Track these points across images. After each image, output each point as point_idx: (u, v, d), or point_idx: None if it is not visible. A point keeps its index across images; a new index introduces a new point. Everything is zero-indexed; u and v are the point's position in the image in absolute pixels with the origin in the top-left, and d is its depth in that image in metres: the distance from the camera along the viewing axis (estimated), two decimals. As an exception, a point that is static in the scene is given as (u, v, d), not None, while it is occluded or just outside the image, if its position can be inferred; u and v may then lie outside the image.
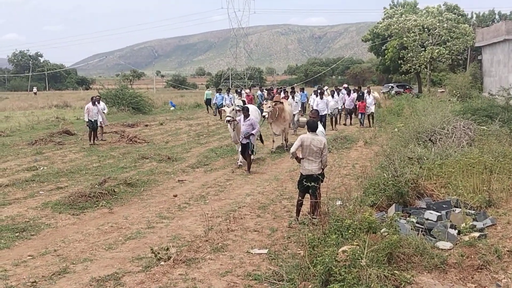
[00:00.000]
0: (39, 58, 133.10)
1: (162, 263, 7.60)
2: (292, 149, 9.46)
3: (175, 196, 12.33)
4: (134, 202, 11.77)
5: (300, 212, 9.74)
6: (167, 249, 7.96)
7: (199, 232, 9.28)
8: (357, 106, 28.16)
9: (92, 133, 21.43)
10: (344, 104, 28.99)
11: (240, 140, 15.28)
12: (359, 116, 27.80)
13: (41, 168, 15.87)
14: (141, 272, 7.38)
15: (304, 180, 9.24)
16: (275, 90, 35.92)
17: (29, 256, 8.22)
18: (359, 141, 21.25)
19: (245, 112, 15.36)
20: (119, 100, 37.11)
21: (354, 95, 29.26)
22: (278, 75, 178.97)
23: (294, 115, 23.30)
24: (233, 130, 16.21)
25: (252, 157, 15.70)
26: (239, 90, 36.77)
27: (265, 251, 8.20)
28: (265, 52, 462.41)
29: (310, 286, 5.93)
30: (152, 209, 11.16)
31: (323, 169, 9.63)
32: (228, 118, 16.08)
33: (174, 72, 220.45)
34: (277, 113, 18.69)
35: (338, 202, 9.60)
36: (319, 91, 27.05)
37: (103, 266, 7.69)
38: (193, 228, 9.60)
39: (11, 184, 13.53)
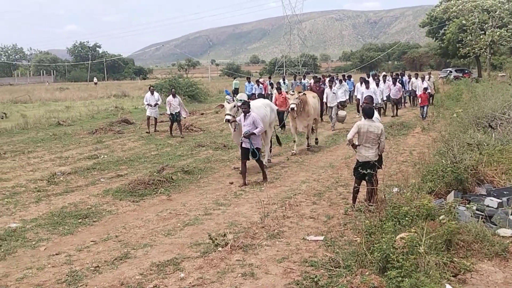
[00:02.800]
0: (98, 49, 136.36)
1: (220, 249, 7.72)
2: (349, 136, 9.39)
3: (231, 183, 12.46)
4: (191, 189, 11.97)
5: (357, 199, 9.70)
6: (224, 235, 8.10)
7: (255, 219, 9.36)
8: (419, 97, 25.01)
9: (172, 125, 21.06)
10: (390, 93, 26.13)
11: (241, 142, 12.53)
12: (422, 109, 24.07)
13: (102, 157, 16.34)
14: (200, 257, 7.52)
15: (361, 167, 9.18)
16: (324, 79, 32.08)
17: (91, 241, 8.49)
18: (417, 127, 20.89)
19: (245, 107, 12.40)
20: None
21: (399, 85, 26.89)
22: (333, 62, 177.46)
23: (331, 108, 21.65)
24: (234, 131, 13.49)
25: (264, 161, 13.56)
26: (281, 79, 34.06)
27: (321, 238, 8.21)
28: (319, 38, 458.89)
29: (367, 273, 5.92)
30: (209, 196, 11.33)
31: (380, 155, 9.54)
32: (228, 117, 13.05)
33: (229, 60, 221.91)
34: (302, 107, 16.16)
35: (395, 189, 9.49)
36: (368, 78, 25.59)
37: (162, 251, 7.88)
38: (249, 215, 9.70)
39: (73, 172, 13.99)
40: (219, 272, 6.89)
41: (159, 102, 22.85)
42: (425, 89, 24.52)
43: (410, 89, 29.88)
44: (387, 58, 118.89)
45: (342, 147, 16.81)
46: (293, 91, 16.30)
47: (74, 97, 47.62)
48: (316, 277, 6.30)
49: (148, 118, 22.29)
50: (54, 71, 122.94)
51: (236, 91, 37.87)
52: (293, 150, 16.17)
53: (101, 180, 13.10)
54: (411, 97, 30.89)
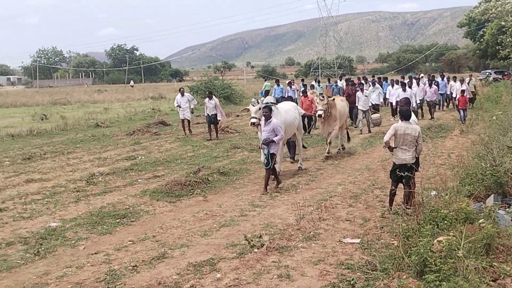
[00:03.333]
0: (135, 51, 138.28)
1: (256, 250, 7.74)
2: (386, 138, 9.31)
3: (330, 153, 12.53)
4: (227, 191, 12.04)
5: (393, 202, 9.60)
6: (260, 236, 8.11)
7: (291, 221, 9.36)
8: (457, 100, 23.90)
9: (210, 127, 20.81)
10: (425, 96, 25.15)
11: (261, 148, 12.26)
12: (461, 113, 22.94)
13: (139, 158, 16.57)
14: (236, 258, 7.56)
15: (398, 169, 9.09)
16: (356, 81, 31.34)
17: (129, 241, 8.61)
18: (455, 129, 20.57)
19: (265, 111, 11.94)
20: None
21: (435, 87, 25.84)
22: (369, 63, 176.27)
23: (363, 112, 21.18)
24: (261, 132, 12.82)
25: (277, 168, 12.91)
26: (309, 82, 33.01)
27: (358, 240, 8.17)
28: (355, 40, 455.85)
29: (404, 276, 5.86)
30: (244, 197, 11.37)
31: (417, 158, 9.44)
32: (253, 120, 12.79)
33: (264, 62, 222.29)
34: (329, 111, 15.44)
35: (433, 192, 9.36)
36: (405, 80, 24.65)
37: (199, 252, 7.94)
38: (285, 217, 9.70)
39: (112, 172, 14.22)
40: (255, 273, 6.91)
41: (193, 102, 22.77)
42: (463, 91, 23.55)
43: (449, 92, 28.77)
44: (425, 60, 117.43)
45: (378, 150, 16.68)
46: (322, 96, 15.62)
47: (112, 99, 48.45)
48: (352, 279, 6.28)
49: (182, 121, 22.39)
50: (93, 74, 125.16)
51: (266, 93, 37.74)
52: (327, 152, 15.73)
53: (139, 180, 13.28)
54: (447, 100, 30.16)
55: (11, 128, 25.04)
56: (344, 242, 8.14)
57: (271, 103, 12.72)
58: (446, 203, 7.57)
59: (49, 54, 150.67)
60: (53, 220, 9.94)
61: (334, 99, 15.84)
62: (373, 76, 33.49)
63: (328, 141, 15.76)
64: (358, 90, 22.42)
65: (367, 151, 16.96)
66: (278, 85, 30.50)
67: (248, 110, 13.39)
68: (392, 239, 7.93)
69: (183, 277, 6.90)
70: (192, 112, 22.90)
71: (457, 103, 24.41)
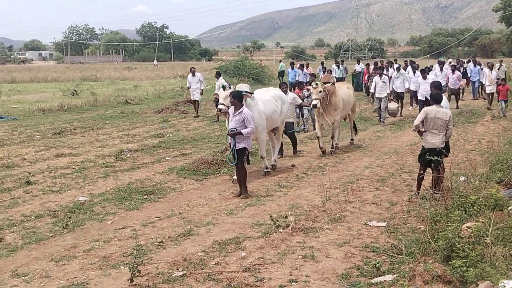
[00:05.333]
0: (165, 29, 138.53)
1: (281, 230, 7.76)
2: (416, 122, 9.19)
3: (293, 166, 12.46)
4: (253, 171, 12.02)
5: (421, 187, 9.51)
6: (286, 217, 8.12)
7: (317, 202, 9.34)
8: (498, 89, 20.97)
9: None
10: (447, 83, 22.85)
11: (228, 141, 10.49)
12: (502, 104, 20.08)
13: (167, 135, 16.68)
14: (261, 237, 7.58)
15: (427, 154, 8.96)
16: (383, 64, 28.44)
17: (156, 217, 8.70)
18: (486, 115, 20.20)
19: (234, 100, 9.96)
20: (240, 71, 37.88)
21: (459, 73, 23.72)
22: (400, 46, 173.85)
23: (379, 100, 18.66)
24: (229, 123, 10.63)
25: (270, 163, 12.06)
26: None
27: (384, 224, 8.12)
28: (387, 22, 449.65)
29: (430, 261, 5.81)
30: (270, 178, 11.37)
31: (447, 143, 9.31)
32: (221, 107, 10.99)
33: (294, 43, 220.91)
34: (327, 99, 13.41)
35: (462, 178, 9.25)
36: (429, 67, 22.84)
37: (224, 230, 7.99)
38: (311, 198, 9.68)
39: (140, 149, 14.35)
40: (279, 253, 6.93)
41: (204, 84, 21.88)
42: (503, 80, 21.56)
43: (484, 81, 25.32)
44: (458, 44, 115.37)
45: (407, 133, 16.50)
46: (316, 84, 13.41)
47: (141, 77, 48.81)
48: (377, 262, 6.25)
49: (194, 102, 21.82)
50: (123, 51, 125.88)
51: (281, 74, 37.30)
52: (320, 146, 13.73)
53: (166, 158, 13.37)
54: (480, 88, 27.55)
55: (42, 103, 25.44)
56: (370, 225, 8.10)
57: (246, 92, 10.90)
58: (475, 189, 7.47)
59: (80, 31, 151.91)
60: (82, 194, 10.09)
61: (333, 84, 13.91)
62: (405, 62, 28.83)
63: (331, 134, 14.13)
64: (388, 75, 20.66)
65: (396, 135, 16.79)
66: (292, 68, 28.72)
67: (218, 96, 11.74)
68: (419, 224, 7.87)
69: (208, 254, 6.95)
70: (201, 94, 21.89)
71: (497, 93, 21.49)
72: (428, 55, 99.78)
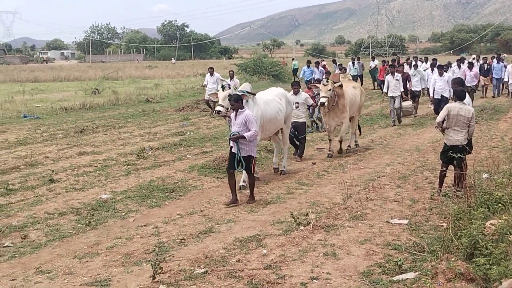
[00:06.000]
0: (185, 28, 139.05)
1: (302, 227, 7.75)
2: (438, 119, 9.11)
3: (314, 163, 12.43)
4: (274, 168, 12.02)
5: (444, 184, 9.43)
6: (307, 214, 8.11)
7: (338, 200, 9.32)
8: None
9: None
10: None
11: (230, 145, 9.56)
12: None
13: (188, 133, 16.75)
14: (282, 235, 7.58)
15: (451, 151, 8.88)
16: (401, 60, 28.52)
17: (177, 215, 8.74)
18: (509, 112, 19.96)
19: (234, 103, 9.29)
20: (259, 69, 37.90)
21: (476, 70, 23.00)
22: (421, 43, 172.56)
23: (393, 99, 17.64)
24: (230, 126, 10.48)
25: (282, 167, 11.59)
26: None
27: (406, 221, 8.07)
28: (408, 19, 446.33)
29: (453, 259, 5.76)
30: (291, 175, 11.36)
31: (470, 140, 9.21)
32: (219, 109, 10.38)
33: (314, 41, 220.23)
34: (335, 100, 12.92)
35: (485, 175, 9.16)
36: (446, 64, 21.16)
37: (245, 227, 8.00)
38: (332, 196, 9.66)
39: (161, 147, 14.43)
40: (300, 251, 6.93)
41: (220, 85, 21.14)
42: None
43: (506, 78, 25.19)
44: (480, 40, 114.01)
45: (429, 131, 16.36)
46: (326, 81, 12.98)
47: (162, 75, 49.03)
48: (399, 260, 6.21)
49: (207, 101, 21.21)
50: (144, 50, 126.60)
51: (294, 72, 37.07)
52: (329, 150, 13.21)
53: (187, 156, 13.43)
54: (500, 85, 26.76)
55: (64, 101, 25.69)
56: (391, 223, 8.06)
57: (247, 92, 10.38)
58: (499, 186, 7.38)
59: (101, 30, 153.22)
60: (104, 192, 10.18)
61: (341, 86, 13.13)
62: (426, 58, 29.14)
63: (339, 138, 13.47)
64: (407, 73, 19.46)
65: (417, 132, 16.66)
66: (308, 66, 27.65)
67: (216, 96, 11.05)
68: (441, 221, 7.82)
69: (229, 252, 6.97)
70: None
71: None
72: (450, 52, 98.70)
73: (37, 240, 7.67)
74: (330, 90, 12.60)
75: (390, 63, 24.70)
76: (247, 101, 10.10)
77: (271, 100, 11.10)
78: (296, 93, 13.06)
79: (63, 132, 17.25)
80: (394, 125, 17.72)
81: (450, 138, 9.06)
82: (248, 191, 9.62)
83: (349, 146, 13.91)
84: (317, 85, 13.33)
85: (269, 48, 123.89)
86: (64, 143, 15.36)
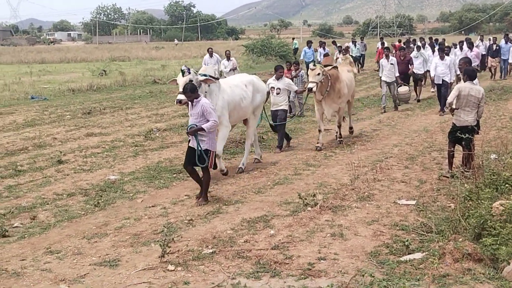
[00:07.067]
0: (192, 8, 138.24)
1: (309, 208, 7.77)
2: (449, 99, 9.04)
3: (322, 144, 12.40)
4: (282, 149, 12.01)
5: (453, 165, 9.39)
6: (314, 195, 8.12)
7: (345, 181, 9.32)
8: None
9: None
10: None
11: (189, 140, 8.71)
12: None
13: (195, 115, 16.69)
14: (289, 216, 7.61)
15: (459, 132, 8.83)
16: (397, 44, 27.09)
17: (185, 196, 8.78)
18: (519, 92, 19.81)
19: (191, 94, 8.29)
20: (267, 50, 37.73)
21: (477, 50, 22.03)
22: (430, 23, 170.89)
23: (387, 84, 16.52)
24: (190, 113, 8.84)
25: (241, 164, 10.35)
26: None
27: (413, 202, 8.07)
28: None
29: (460, 239, 5.77)
30: (299, 156, 11.35)
31: (478, 120, 9.17)
32: (180, 97, 8.83)
33: (321, 21, 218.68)
34: (328, 84, 11.66)
35: (493, 156, 9.13)
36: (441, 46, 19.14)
37: (253, 208, 8.03)
38: (339, 177, 9.65)
39: (168, 128, 14.46)
40: (308, 231, 6.95)
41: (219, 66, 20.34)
42: None
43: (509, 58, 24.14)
44: (488, 19, 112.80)
45: (437, 111, 16.25)
46: (314, 65, 11.67)
47: (169, 56, 48.93)
48: (407, 240, 6.22)
49: None
50: (151, 31, 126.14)
51: (295, 52, 36.67)
52: (317, 142, 12.04)
53: (194, 137, 13.40)
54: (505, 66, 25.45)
55: (72, 83, 25.71)
56: (399, 204, 8.06)
57: (210, 76, 9.47)
58: (508, 166, 7.36)
59: (108, 11, 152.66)
60: (112, 173, 10.23)
61: (336, 68, 12.17)
62: (431, 39, 26.65)
63: (337, 123, 12.66)
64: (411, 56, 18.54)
65: (425, 113, 16.58)
66: (309, 47, 26.23)
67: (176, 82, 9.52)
68: (449, 202, 7.81)
69: (237, 232, 7.01)
70: (220, 75, 21.21)
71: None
72: (458, 31, 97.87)
73: (46, 220, 7.74)
74: (318, 74, 11.32)
75: (403, 44, 23.98)
76: (209, 85, 9.40)
77: (236, 86, 10.18)
78: (278, 78, 11.92)
79: (70, 114, 17.28)
80: (384, 111, 16.56)
81: (460, 119, 9.01)
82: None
83: (350, 127, 13.39)
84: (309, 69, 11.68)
85: (276, 28, 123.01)
86: (72, 124, 15.40)
